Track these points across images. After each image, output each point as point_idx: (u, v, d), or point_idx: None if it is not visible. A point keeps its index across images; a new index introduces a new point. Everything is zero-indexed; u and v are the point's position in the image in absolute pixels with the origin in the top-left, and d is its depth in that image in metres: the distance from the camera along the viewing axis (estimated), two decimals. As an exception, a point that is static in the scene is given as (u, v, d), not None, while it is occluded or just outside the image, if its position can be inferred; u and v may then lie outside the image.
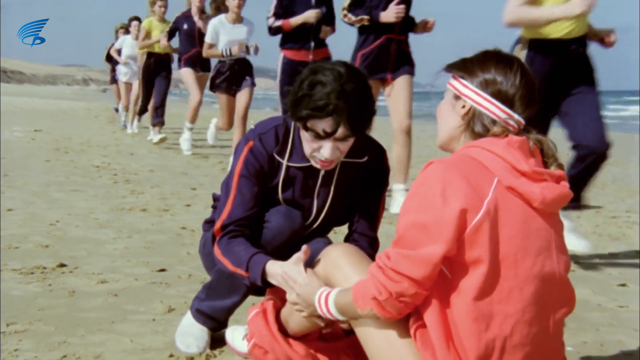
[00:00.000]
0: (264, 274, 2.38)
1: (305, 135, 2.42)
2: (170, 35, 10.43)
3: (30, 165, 8.10)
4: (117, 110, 16.54)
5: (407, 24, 6.16)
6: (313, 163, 2.49)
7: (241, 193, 2.51)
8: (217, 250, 2.52)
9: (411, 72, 6.20)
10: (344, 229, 2.82)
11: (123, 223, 5.19)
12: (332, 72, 2.33)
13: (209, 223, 2.85)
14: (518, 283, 1.89)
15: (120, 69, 14.72)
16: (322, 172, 2.57)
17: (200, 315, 2.79)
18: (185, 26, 10.11)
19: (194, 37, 10.02)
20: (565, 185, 1.99)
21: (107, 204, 5.97)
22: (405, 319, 2.10)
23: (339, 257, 2.25)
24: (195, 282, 3.69)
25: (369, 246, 2.66)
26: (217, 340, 2.81)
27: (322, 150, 2.39)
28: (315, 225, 2.69)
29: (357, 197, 2.67)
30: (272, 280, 2.37)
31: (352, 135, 2.39)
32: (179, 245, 4.56)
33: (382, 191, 2.71)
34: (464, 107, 2.02)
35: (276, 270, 2.35)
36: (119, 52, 14.29)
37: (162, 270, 3.93)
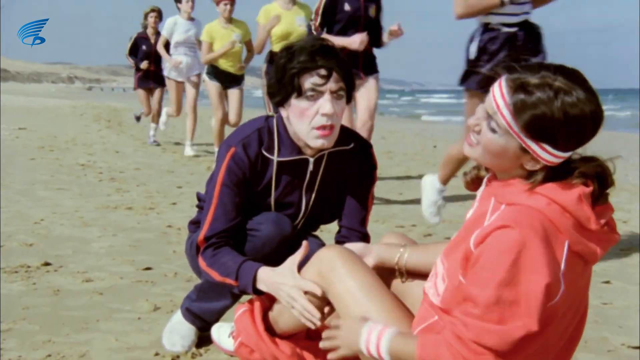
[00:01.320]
0: (254, 282, 2.37)
1: (300, 108, 2.39)
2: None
3: (15, 164, 8.06)
4: (138, 118, 13.10)
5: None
6: (312, 142, 2.43)
7: (223, 203, 2.49)
8: (202, 262, 2.50)
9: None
10: (330, 227, 2.82)
11: (108, 221, 5.17)
12: (305, 40, 2.44)
13: (195, 224, 2.85)
14: (556, 338, 1.87)
15: (173, 61, 10.06)
16: (310, 167, 2.56)
17: (190, 314, 2.78)
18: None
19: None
20: (616, 233, 1.87)
21: (92, 202, 5.95)
22: (403, 318, 2.12)
23: (334, 258, 2.23)
24: (181, 280, 3.69)
25: (361, 241, 2.65)
26: (203, 339, 2.81)
27: (321, 108, 2.36)
28: (304, 221, 2.69)
29: (345, 192, 2.67)
30: (263, 287, 2.36)
31: (345, 87, 2.40)
32: (164, 244, 4.54)
33: (370, 186, 2.70)
34: (533, 161, 1.79)
35: (268, 277, 2.34)
36: (166, 46, 10.21)
37: (148, 268, 3.92)
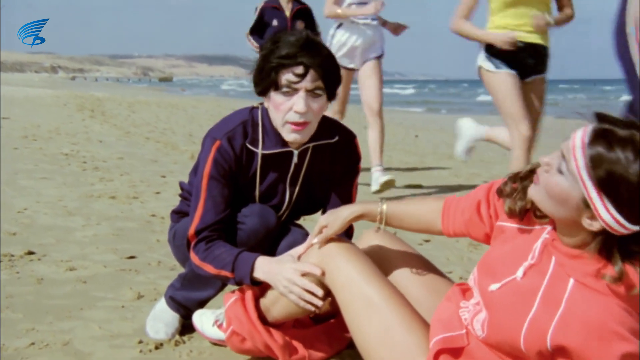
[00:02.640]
0: (252, 272, 2.36)
1: (276, 102, 2.40)
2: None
3: (-2, 153, 7.99)
4: None
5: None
6: (286, 135, 2.44)
7: (212, 196, 2.47)
8: (194, 257, 2.48)
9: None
10: (314, 216, 2.82)
11: (92, 210, 5.14)
12: (294, 32, 2.41)
13: (178, 214, 2.84)
14: None
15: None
16: (294, 160, 2.56)
17: (174, 302, 2.78)
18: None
19: None
20: None
21: (76, 191, 5.91)
22: (405, 306, 2.13)
23: (332, 248, 2.25)
24: (164, 269, 3.67)
25: (344, 233, 2.66)
26: (187, 327, 2.80)
27: (294, 106, 2.37)
28: (288, 212, 2.68)
29: (329, 184, 2.67)
30: (260, 275, 2.35)
31: (323, 86, 2.39)
32: (148, 233, 4.52)
33: (355, 178, 2.70)
34: (591, 219, 1.69)
35: (267, 265, 2.35)
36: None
37: (132, 257, 3.90)
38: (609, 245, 1.70)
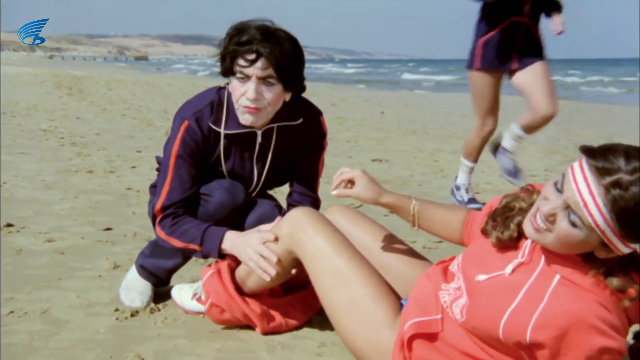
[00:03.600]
0: (220, 245, 2.37)
1: (233, 86, 2.39)
2: None
3: (-23, 129, 7.85)
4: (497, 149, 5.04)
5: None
6: (240, 117, 2.43)
7: (178, 174, 2.46)
8: (160, 232, 2.47)
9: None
10: (282, 189, 2.81)
11: (69, 184, 5.08)
12: (262, 22, 2.38)
13: (155, 187, 2.81)
14: None
15: None
16: (258, 139, 2.54)
17: (144, 270, 2.76)
18: None
19: None
20: None
21: (53, 166, 5.83)
22: (372, 277, 2.13)
23: (302, 219, 2.24)
24: (140, 240, 3.64)
25: (312, 206, 2.66)
26: (160, 295, 2.78)
27: (246, 93, 2.35)
28: (257, 189, 2.68)
29: (297, 159, 2.66)
30: (227, 247, 2.36)
31: (275, 75, 2.35)
32: (124, 205, 4.48)
33: (320, 153, 2.69)
34: (607, 253, 1.69)
35: (235, 238, 2.36)
36: None
37: (108, 229, 3.86)
38: (610, 262, 1.70)
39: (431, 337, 1.94)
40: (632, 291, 1.68)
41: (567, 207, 1.65)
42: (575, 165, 1.66)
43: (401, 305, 2.13)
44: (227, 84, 2.50)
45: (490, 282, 1.84)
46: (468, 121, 12.86)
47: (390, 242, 2.40)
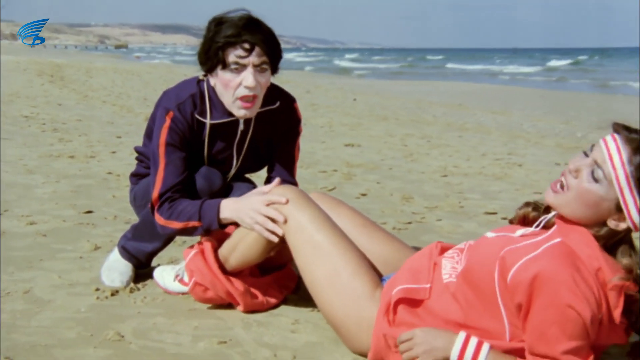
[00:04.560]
0: (218, 214, 2.34)
1: (224, 79, 2.37)
2: None
3: (-40, 115, 7.71)
4: None
5: None
6: (235, 111, 2.43)
7: (170, 160, 2.43)
8: (159, 219, 2.43)
9: None
10: (259, 173, 2.80)
11: (51, 169, 5.01)
12: (235, 13, 2.37)
13: (135, 176, 2.80)
14: None
15: None
16: (240, 127, 2.53)
17: (125, 252, 2.73)
18: None
19: None
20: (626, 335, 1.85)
21: (35, 151, 5.76)
22: (352, 251, 2.13)
23: (284, 194, 2.25)
24: (120, 222, 3.61)
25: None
26: (140, 275, 2.76)
27: (244, 81, 2.34)
28: (235, 173, 2.67)
29: (273, 145, 2.65)
30: (227, 214, 2.33)
31: (269, 61, 2.37)
32: (105, 189, 4.44)
33: (296, 138, 2.69)
34: (619, 221, 1.74)
35: (233, 203, 2.33)
36: None
37: (89, 212, 3.82)
38: (620, 237, 1.74)
39: (416, 303, 1.96)
40: (631, 272, 1.71)
41: (593, 164, 1.72)
42: (608, 136, 1.74)
43: (383, 281, 2.14)
44: (205, 75, 2.48)
45: (497, 238, 1.89)
46: (435, 107, 12.91)
47: (367, 226, 2.41)
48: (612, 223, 1.73)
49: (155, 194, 2.44)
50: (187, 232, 2.42)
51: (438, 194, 4.81)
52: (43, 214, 3.72)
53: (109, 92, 12.62)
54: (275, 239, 2.25)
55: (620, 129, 1.73)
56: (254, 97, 2.40)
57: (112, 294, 2.58)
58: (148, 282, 2.72)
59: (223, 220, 2.36)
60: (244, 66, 2.34)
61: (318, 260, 2.13)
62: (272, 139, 2.64)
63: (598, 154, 1.72)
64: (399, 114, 11.24)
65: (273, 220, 2.24)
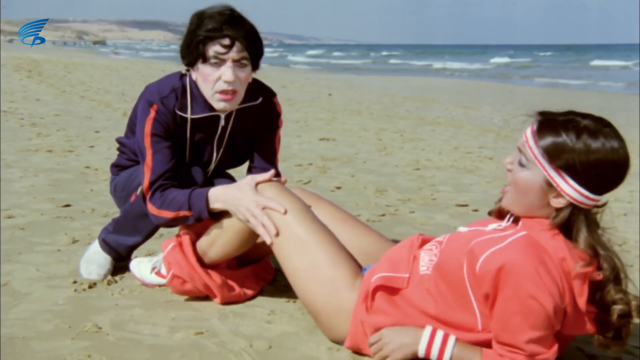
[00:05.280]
0: (207, 204, 2.30)
1: (205, 73, 2.35)
2: None
3: (-63, 110, 7.58)
4: None
5: None
6: (215, 104, 2.40)
7: (157, 149, 2.40)
8: (152, 209, 2.40)
9: None
10: (240, 168, 2.78)
11: (29, 163, 4.95)
12: (217, 8, 2.35)
13: (117, 167, 2.77)
14: None
15: None
16: (222, 122, 2.51)
17: (106, 245, 2.70)
18: None
19: None
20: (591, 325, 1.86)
21: (13, 145, 5.68)
22: (332, 243, 2.14)
23: (263, 190, 2.24)
24: (98, 216, 3.58)
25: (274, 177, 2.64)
26: (118, 268, 2.73)
27: (223, 75, 2.33)
28: (215, 167, 2.65)
29: (254, 139, 2.64)
30: (218, 205, 2.29)
31: (249, 57, 2.36)
32: (83, 183, 4.39)
33: (277, 130, 2.68)
34: (558, 197, 1.75)
35: (223, 193, 2.29)
36: None
37: (67, 205, 3.78)
38: (575, 219, 1.75)
39: (393, 291, 1.98)
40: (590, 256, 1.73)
41: (519, 153, 1.79)
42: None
43: (363, 271, 2.15)
44: (188, 70, 2.46)
45: (469, 232, 1.91)
46: (409, 102, 12.95)
47: (347, 220, 2.42)
48: (553, 202, 1.76)
49: (145, 183, 2.41)
50: (179, 221, 2.39)
51: (411, 187, 4.83)
52: (21, 207, 3.68)
53: (87, 87, 12.48)
54: (268, 240, 2.19)
55: (537, 114, 1.80)
56: (234, 91, 2.38)
57: (90, 287, 2.56)
58: (125, 274, 2.70)
59: (214, 210, 2.32)
60: (224, 61, 2.33)
61: (298, 252, 2.13)
62: (253, 134, 2.62)
63: (520, 142, 1.79)
64: (373, 109, 11.26)
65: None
